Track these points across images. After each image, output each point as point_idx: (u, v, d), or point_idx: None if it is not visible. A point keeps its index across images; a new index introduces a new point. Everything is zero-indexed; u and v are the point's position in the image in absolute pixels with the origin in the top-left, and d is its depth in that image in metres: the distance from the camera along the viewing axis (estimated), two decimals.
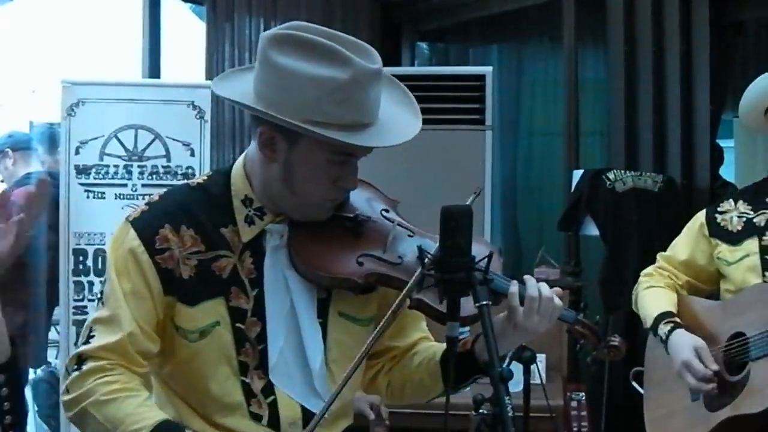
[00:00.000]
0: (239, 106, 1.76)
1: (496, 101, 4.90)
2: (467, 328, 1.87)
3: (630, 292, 2.77)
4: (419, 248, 1.68)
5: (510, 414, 1.45)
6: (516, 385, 1.65)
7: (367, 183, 1.85)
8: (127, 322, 1.67)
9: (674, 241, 2.74)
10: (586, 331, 1.82)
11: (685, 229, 2.72)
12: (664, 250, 2.74)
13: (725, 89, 4.46)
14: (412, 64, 5.81)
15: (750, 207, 2.56)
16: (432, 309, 1.67)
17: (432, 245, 1.70)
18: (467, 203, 1.61)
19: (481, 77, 4.02)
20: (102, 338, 1.67)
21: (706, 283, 2.67)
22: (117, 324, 1.67)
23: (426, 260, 1.63)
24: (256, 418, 1.71)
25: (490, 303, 1.56)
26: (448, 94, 3.90)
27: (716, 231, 2.59)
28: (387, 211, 1.83)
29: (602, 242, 4.13)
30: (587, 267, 4.43)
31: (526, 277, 1.76)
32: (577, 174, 4.25)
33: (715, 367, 2.41)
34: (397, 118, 1.73)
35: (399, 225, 1.80)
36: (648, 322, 2.59)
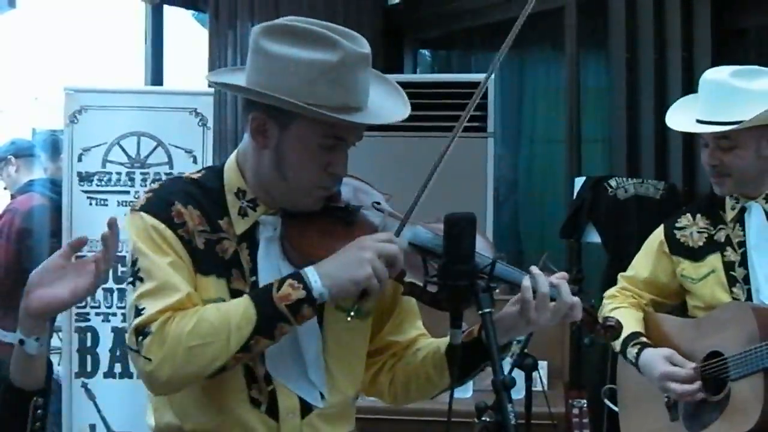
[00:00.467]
0: (234, 91, 1.79)
1: (498, 108, 4.90)
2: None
3: None
4: (423, 259, 1.69)
5: (512, 421, 1.45)
6: (517, 393, 1.65)
7: (357, 177, 1.88)
8: (182, 284, 1.67)
9: (634, 261, 2.72)
10: (584, 314, 1.82)
11: (643, 248, 2.70)
12: None
13: None
14: (414, 72, 5.81)
15: (709, 222, 2.54)
16: (426, 293, 1.69)
17: (423, 233, 1.73)
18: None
19: None
20: (156, 305, 1.64)
21: (669, 298, 2.67)
22: (171, 288, 1.65)
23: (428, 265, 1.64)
24: (255, 403, 1.72)
25: (493, 311, 1.56)
26: (450, 101, 3.90)
27: (677, 248, 2.57)
28: (378, 203, 1.86)
29: (604, 249, 4.12)
30: (589, 274, 4.42)
31: (533, 268, 1.75)
32: (579, 181, 4.24)
33: (691, 364, 2.41)
34: (386, 105, 1.77)
35: (390, 215, 1.82)
36: (617, 347, 2.57)
